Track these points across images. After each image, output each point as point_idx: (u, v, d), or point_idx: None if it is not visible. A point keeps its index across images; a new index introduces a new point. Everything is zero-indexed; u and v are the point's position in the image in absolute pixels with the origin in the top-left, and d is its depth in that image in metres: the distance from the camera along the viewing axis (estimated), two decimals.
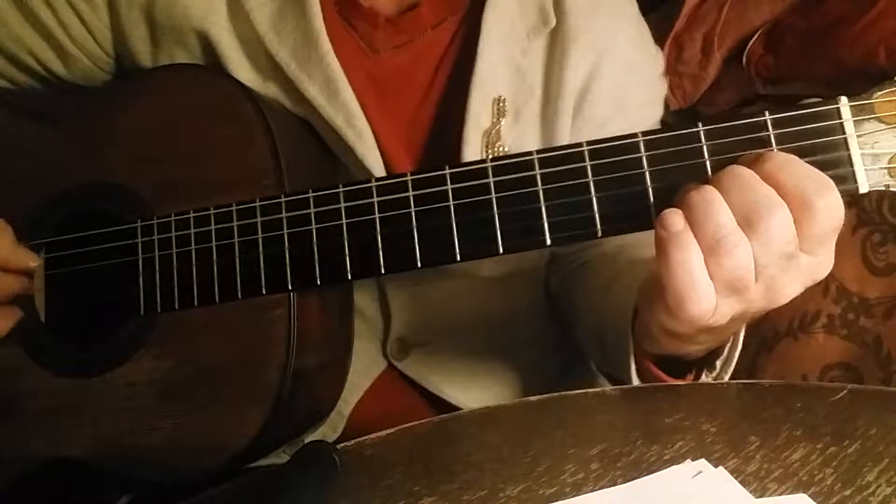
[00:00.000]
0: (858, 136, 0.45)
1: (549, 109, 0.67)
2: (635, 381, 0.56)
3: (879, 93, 0.45)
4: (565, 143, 0.67)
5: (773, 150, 0.45)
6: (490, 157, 0.64)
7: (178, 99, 0.61)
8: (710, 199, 0.43)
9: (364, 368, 0.70)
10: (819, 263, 0.44)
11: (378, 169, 0.64)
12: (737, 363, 0.55)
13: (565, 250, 0.74)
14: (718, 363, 0.55)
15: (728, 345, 0.54)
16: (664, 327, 0.49)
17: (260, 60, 0.65)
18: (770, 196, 0.42)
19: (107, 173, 0.61)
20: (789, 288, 0.44)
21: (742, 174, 0.43)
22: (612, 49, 0.68)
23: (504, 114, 0.66)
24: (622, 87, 0.70)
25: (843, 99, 0.45)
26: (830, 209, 0.42)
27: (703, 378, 0.56)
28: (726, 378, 0.55)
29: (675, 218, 0.44)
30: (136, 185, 0.60)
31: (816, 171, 0.43)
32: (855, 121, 0.45)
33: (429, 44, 0.68)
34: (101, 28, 0.68)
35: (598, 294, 0.66)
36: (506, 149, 0.65)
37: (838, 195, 0.42)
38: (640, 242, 0.67)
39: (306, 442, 0.56)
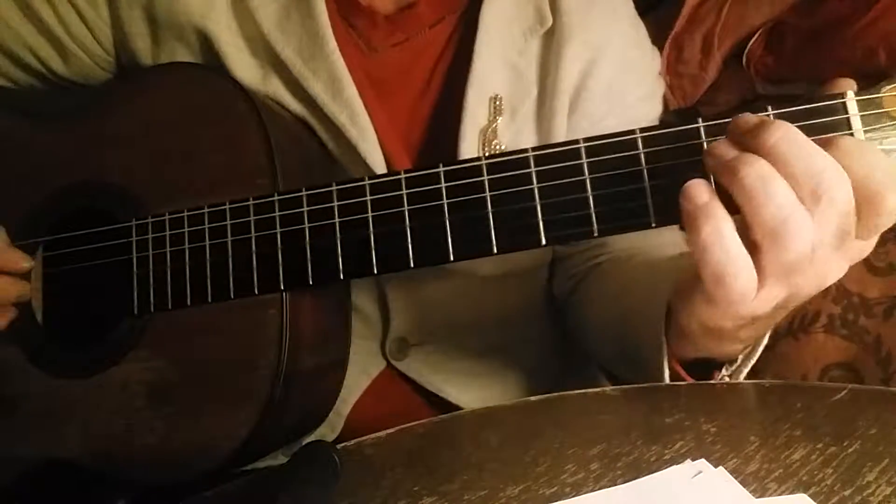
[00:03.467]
0: (865, 132, 0.44)
1: (545, 108, 0.67)
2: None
3: (887, 87, 0.44)
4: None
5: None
6: (486, 154, 0.64)
7: (173, 98, 0.61)
8: (768, 176, 0.39)
9: (363, 368, 0.70)
10: (866, 245, 0.43)
11: (380, 167, 0.64)
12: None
13: (573, 251, 0.74)
14: (740, 357, 0.53)
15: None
16: (706, 324, 0.47)
17: (262, 58, 0.65)
18: (836, 167, 0.39)
19: (104, 172, 0.61)
20: (836, 269, 0.42)
21: (799, 140, 0.40)
22: (607, 46, 0.68)
23: (501, 112, 0.66)
24: (618, 84, 0.70)
25: (850, 93, 0.44)
26: None
27: (723, 371, 0.54)
28: (745, 371, 0.54)
29: (699, 189, 0.41)
30: (132, 183, 0.60)
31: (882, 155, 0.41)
32: (862, 115, 0.44)
33: (427, 42, 0.68)
34: (101, 26, 0.68)
35: (612, 300, 0.65)
36: (503, 147, 0.66)
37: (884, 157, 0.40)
38: (658, 244, 0.67)
39: (306, 442, 0.56)
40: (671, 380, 0.54)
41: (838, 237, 0.40)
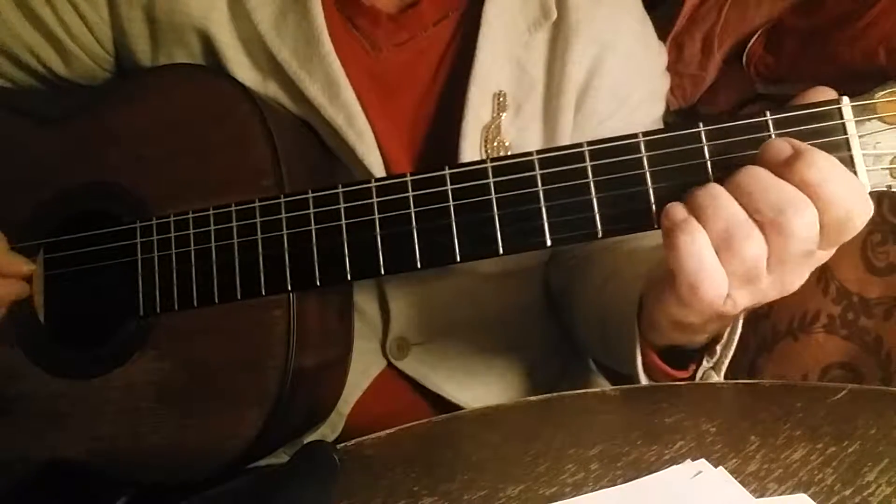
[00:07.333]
0: (860, 137, 0.45)
1: (551, 104, 0.67)
2: (641, 375, 0.56)
3: (881, 93, 0.45)
4: (568, 137, 0.67)
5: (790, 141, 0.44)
6: (488, 151, 0.64)
7: (177, 99, 0.61)
8: (716, 194, 0.43)
9: (363, 368, 0.70)
10: (828, 254, 0.45)
11: (378, 169, 0.64)
12: (737, 363, 0.55)
13: (566, 246, 0.74)
14: (718, 348, 0.55)
15: (728, 329, 0.54)
16: (675, 319, 0.49)
17: (260, 60, 0.65)
18: (796, 195, 0.42)
19: (106, 173, 0.61)
20: (800, 279, 0.45)
21: (760, 174, 0.43)
22: (614, 43, 0.68)
23: (505, 108, 0.65)
24: (624, 82, 0.70)
25: (845, 99, 0.45)
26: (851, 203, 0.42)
27: (704, 364, 0.55)
28: (726, 363, 0.55)
29: (677, 208, 0.45)
30: (135, 185, 0.60)
31: (833, 160, 0.43)
32: (857, 121, 0.45)
33: (431, 41, 0.68)
34: (102, 26, 0.68)
35: (597, 287, 0.65)
36: (506, 143, 0.65)
37: (857, 184, 0.43)
38: (641, 234, 0.67)
39: (306, 442, 0.56)
40: (646, 370, 0.56)
41: (803, 256, 0.43)
